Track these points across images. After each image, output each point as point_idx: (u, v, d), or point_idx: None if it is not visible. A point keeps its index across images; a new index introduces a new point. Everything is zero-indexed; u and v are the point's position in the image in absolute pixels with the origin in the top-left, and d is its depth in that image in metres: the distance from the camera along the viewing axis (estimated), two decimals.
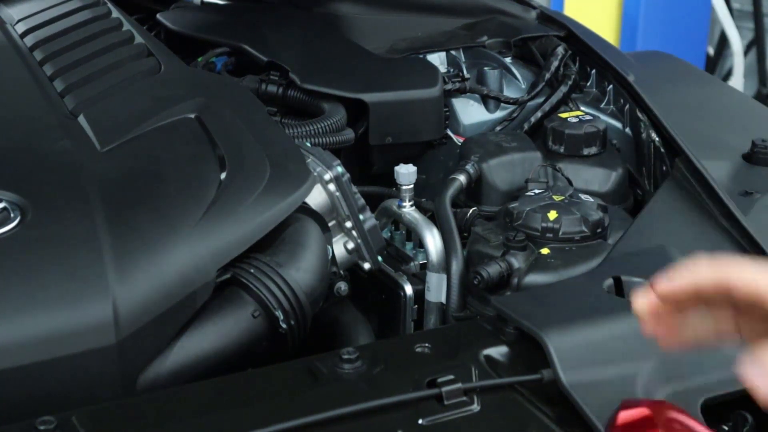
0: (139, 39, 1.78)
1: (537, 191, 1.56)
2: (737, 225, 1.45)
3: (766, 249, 1.41)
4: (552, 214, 1.49)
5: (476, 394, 1.17)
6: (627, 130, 1.85)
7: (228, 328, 1.31)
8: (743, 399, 1.23)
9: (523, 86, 1.96)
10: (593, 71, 1.95)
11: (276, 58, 1.87)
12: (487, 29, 2.05)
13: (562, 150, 1.73)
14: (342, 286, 1.48)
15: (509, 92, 1.95)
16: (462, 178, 1.64)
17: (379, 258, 1.53)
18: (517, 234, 1.47)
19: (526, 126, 1.90)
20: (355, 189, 1.51)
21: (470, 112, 1.92)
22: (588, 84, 1.96)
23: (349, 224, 1.49)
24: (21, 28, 1.85)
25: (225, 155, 1.44)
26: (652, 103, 1.78)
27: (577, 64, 1.97)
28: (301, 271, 1.37)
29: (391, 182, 1.66)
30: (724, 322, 0.96)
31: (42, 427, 1.08)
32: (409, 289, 1.55)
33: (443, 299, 1.52)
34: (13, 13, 1.91)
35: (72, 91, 1.61)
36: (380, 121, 1.80)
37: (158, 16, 2.14)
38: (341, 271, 1.50)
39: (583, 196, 1.55)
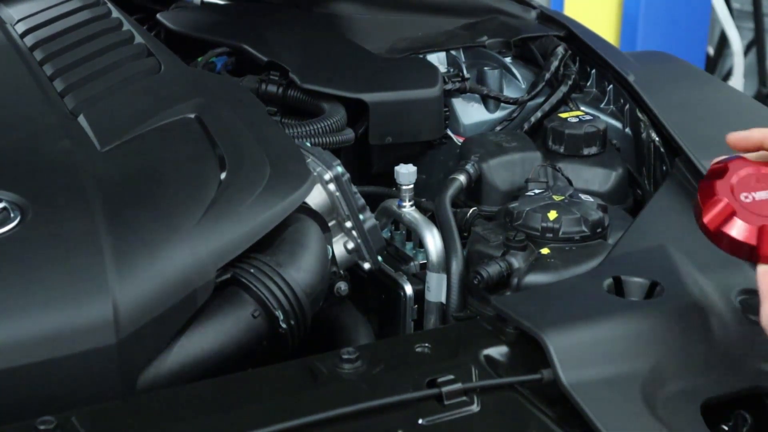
0: (139, 39, 1.78)
1: (537, 191, 1.56)
2: None
3: None
4: (552, 214, 1.49)
5: (476, 394, 1.17)
6: (627, 130, 1.85)
7: (228, 328, 1.31)
8: (743, 399, 1.23)
9: (523, 86, 1.96)
10: (593, 71, 1.95)
11: (276, 58, 1.87)
12: (487, 29, 2.05)
13: (562, 150, 1.74)
14: (342, 286, 1.48)
15: (509, 92, 1.95)
16: (462, 178, 1.64)
17: (379, 258, 1.53)
18: (517, 234, 1.47)
19: (526, 126, 1.90)
20: (355, 189, 1.51)
21: (470, 112, 1.92)
22: (588, 84, 1.96)
23: (349, 224, 1.50)
24: (21, 28, 1.85)
25: (225, 155, 1.44)
26: (652, 103, 1.78)
27: (577, 64, 1.97)
28: (301, 271, 1.37)
29: (391, 182, 1.66)
30: None
31: (42, 427, 1.08)
32: (409, 289, 1.55)
33: (443, 299, 1.52)
34: (13, 13, 1.91)
35: (72, 91, 1.61)
36: (380, 121, 1.80)
37: (158, 16, 2.14)
38: (341, 271, 1.50)
39: (583, 196, 1.55)
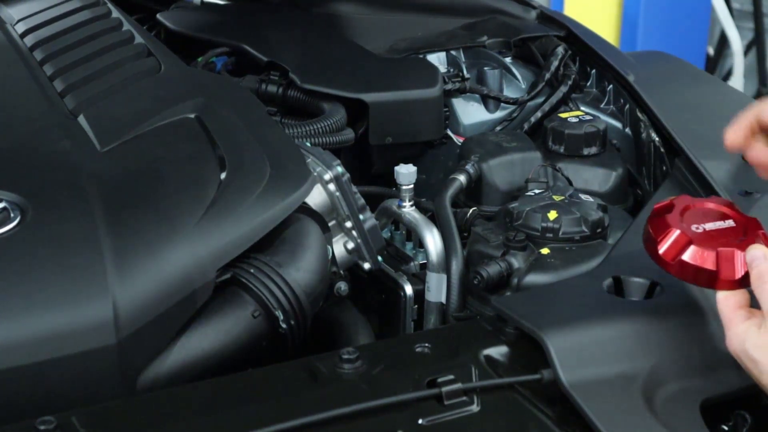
0: (139, 39, 1.78)
1: (537, 191, 1.56)
2: None
3: None
4: (552, 214, 1.49)
5: (476, 394, 1.17)
6: (627, 130, 1.85)
7: (228, 328, 1.31)
8: (743, 399, 1.23)
9: (523, 86, 1.96)
10: (593, 71, 1.95)
11: (276, 58, 1.87)
12: (487, 29, 2.05)
13: (562, 150, 1.73)
14: (342, 286, 1.48)
15: (509, 92, 1.95)
16: (462, 178, 1.64)
17: (379, 258, 1.53)
18: (517, 234, 1.47)
19: (526, 126, 1.90)
20: (355, 189, 1.51)
21: (470, 112, 1.92)
22: (588, 84, 1.96)
23: (349, 224, 1.50)
24: (21, 28, 1.85)
25: (225, 155, 1.44)
26: (652, 103, 1.78)
27: (577, 64, 1.97)
28: (301, 271, 1.37)
29: (391, 182, 1.66)
30: None
31: (42, 427, 1.08)
32: (409, 289, 1.55)
33: (443, 299, 1.52)
34: (13, 13, 1.91)
35: (72, 91, 1.61)
36: (380, 121, 1.80)
37: (158, 16, 2.13)
38: (341, 271, 1.50)
39: (583, 196, 1.55)
